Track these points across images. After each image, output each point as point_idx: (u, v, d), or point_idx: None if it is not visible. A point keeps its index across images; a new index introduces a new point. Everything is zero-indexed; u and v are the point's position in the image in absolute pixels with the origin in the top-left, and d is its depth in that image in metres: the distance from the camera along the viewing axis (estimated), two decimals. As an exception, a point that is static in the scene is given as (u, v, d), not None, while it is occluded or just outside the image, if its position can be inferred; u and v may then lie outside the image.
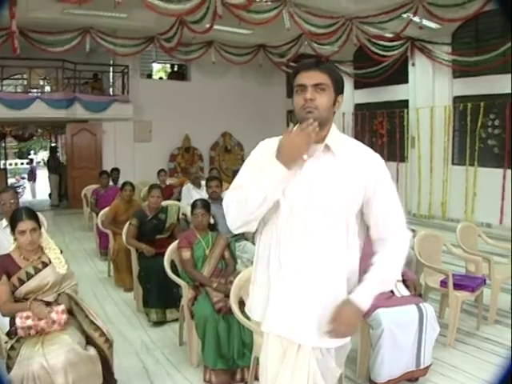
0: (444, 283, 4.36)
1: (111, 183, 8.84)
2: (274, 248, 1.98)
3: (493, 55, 9.08)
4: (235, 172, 7.53)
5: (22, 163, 30.68)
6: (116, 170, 9.40)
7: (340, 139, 2.00)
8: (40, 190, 17.98)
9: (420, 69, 10.96)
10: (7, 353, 2.82)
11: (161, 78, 15.83)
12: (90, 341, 3.01)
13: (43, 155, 31.49)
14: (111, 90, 13.18)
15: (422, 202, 10.83)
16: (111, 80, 13.25)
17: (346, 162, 1.94)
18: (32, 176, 18.95)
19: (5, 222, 4.03)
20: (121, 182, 7.42)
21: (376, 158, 2.01)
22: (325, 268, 1.95)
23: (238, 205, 1.93)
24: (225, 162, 14.59)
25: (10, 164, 28.71)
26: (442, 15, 8.63)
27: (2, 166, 16.42)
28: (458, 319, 4.24)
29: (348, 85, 12.65)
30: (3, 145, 17.66)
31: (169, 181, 9.66)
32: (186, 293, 3.92)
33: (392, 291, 3.61)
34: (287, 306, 1.97)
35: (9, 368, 2.76)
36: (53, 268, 3.12)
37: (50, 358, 2.71)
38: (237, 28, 10.80)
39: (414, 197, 11.07)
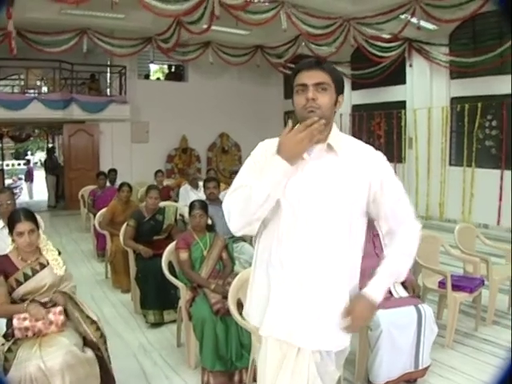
0: (442, 284, 4.35)
1: (108, 184, 8.83)
2: (275, 250, 1.96)
3: (490, 56, 9.10)
4: (232, 173, 7.56)
5: (19, 164, 30.60)
6: (113, 171, 9.39)
7: (342, 139, 1.98)
8: (37, 190, 17.94)
9: (417, 70, 10.98)
10: (4, 355, 2.79)
11: (158, 79, 15.82)
12: (87, 342, 3.00)
13: (40, 156, 31.44)
14: (108, 90, 13.16)
15: (419, 202, 10.83)
16: (108, 81, 13.22)
17: (349, 162, 1.92)
18: (29, 177, 18.90)
19: (1, 223, 4.01)
20: (118, 182, 7.42)
21: (378, 155, 2.01)
22: (327, 269, 1.93)
23: (241, 205, 1.89)
24: (222, 162, 14.59)
25: (7, 165, 28.64)
26: (439, 16, 8.64)
27: (-1, 167, 16.37)
28: (456, 320, 4.23)
29: (345, 85, 12.57)
30: (0, 145, 17.61)
31: (166, 182, 9.65)
32: (184, 294, 3.91)
33: (390, 292, 3.60)
34: (288, 309, 1.94)
35: (6, 370, 2.73)
36: (50, 269, 3.10)
37: (47, 359, 2.69)
38: (234, 29, 10.79)
39: (412, 198, 10.93)
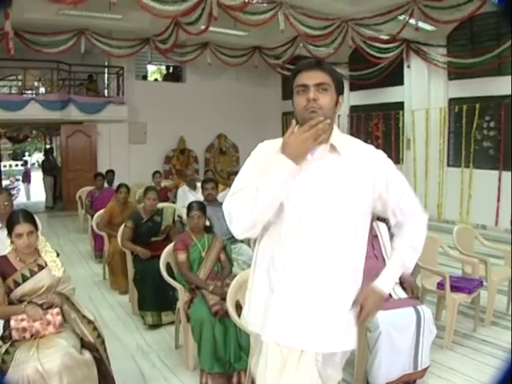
0: (441, 285, 4.35)
1: (106, 185, 8.80)
2: (277, 253, 1.94)
3: (488, 57, 9.13)
4: (230, 174, 7.53)
5: (17, 165, 30.57)
6: (111, 172, 9.36)
7: (343, 139, 1.97)
8: (34, 191, 17.90)
9: (415, 71, 10.99)
10: (1, 357, 2.77)
11: (156, 80, 15.80)
12: (84, 344, 2.98)
13: (38, 157, 31.40)
14: (106, 91, 13.14)
15: (417, 203, 10.80)
16: (106, 81, 13.20)
17: (353, 162, 1.92)
18: (26, 178, 18.88)
19: (-1, 224, 4.00)
20: (116, 184, 7.40)
21: (380, 154, 2.01)
22: (331, 271, 1.92)
23: (244, 207, 1.86)
24: (220, 163, 14.58)
25: (5, 166, 28.61)
26: (437, 17, 8.64)
27: (-4, 168, 16.33)
28: (454, 321, 4.23)
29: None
30: (-3, 146, 17.61)
31: (164, 183, 9.63)
32: (182, 296, 3.90)
33: (389, 293, 3.59)
34: (292, 313, 1.92)
35: (3, 372, 2.72)
36: (49, 271, 3.09)
37: (44, 362, 2.67)
38: (232, 29, 10.80)
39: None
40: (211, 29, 9.69)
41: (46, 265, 3.12)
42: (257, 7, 9.18)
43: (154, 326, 4.71)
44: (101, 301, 5.62)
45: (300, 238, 1.90)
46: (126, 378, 3.64)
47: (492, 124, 9.72)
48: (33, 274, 3.04)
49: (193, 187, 7.64)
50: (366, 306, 1.97)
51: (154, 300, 4.64)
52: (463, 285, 4.33)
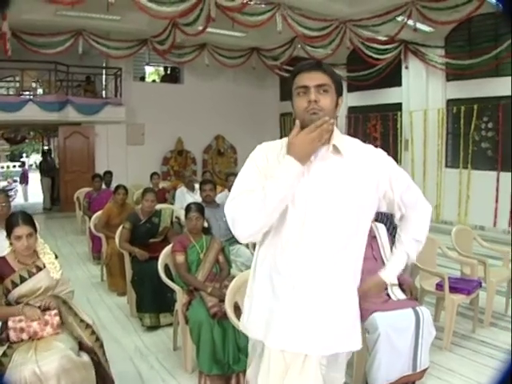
0: (440, 286, 4.34)
1: (104, 186, 8.78)
2: (280, 258, 1.91)
3: (486, 58, 9.13)
4: (229, 175, 7.45)
5: (14, 166, 30.57)
6: (109, 173, 9.34)
7: (344, 140, 1.96)
8: (32, 193, 17.87)
9: (413, 72, 10.98)
10: (-1, 359, 2.78)
11: (154, 81, 15.79)
12: (82, 347, 2.97)
13: (35, 158, 31.37)
14: (104, 92, 13.13)
15: (415, 204, 10.80)
16: (104, 83, 13.20)
17: (355, 163, 1.90)
18: (24, 179, 18.85)
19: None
20: (114, 185, 7.37)
21: (380, 152, 2.01)
22: (336, 273, 1.91)
23: (251, 210, 1.82)
24: (218, 165, 14.56)
25: (2, 167, 28.61)
26: (435, 18, 8.64)
27: (-7, 169, 16.33)
28: (453, 322, 4.23)
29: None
30: (-5, 147, 17.59)
31: (162, 184, 9.63)
32: (181, 297, 3.89)
33: (388, 295, 3.59)
34: (297, 318, 1.90)
35: (1, 375, 2.71)
36: (47, 273, 3.09)
37: (42, 364, 2.66)
38: (230, 31, 10.78)
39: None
40: (209, 30, 9.68)
41: (45, 266, 3.11)
42: (255, 8, 9.18)
43: (152, 328, 4.70)
44: (99, 302, 5.60)
45: (304, 242, 1.88)
46: (124, 380, 3.62)
47: (490, 125, 9.72)
48: (31, 275, 3.03)
49: (191, 188, 7.63)
50: (366, 285, 2.09)
51: (152, 302, 4.63)
52: (462, 286, 4.33)
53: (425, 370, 3.47)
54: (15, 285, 2.99)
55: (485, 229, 9.47)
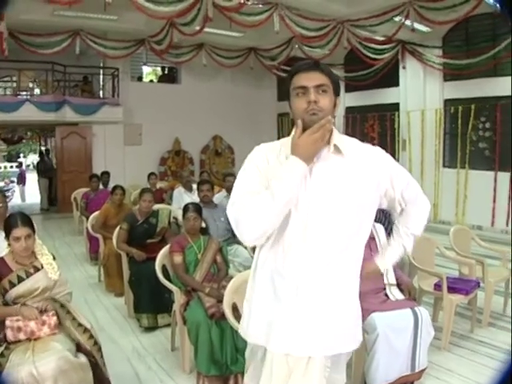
0: (438, 286, 4.34)
1: (101, 187, 8.76)
2: (282, 261, 1.89)
3: (483, 58, 9.13)
4: (226, 175, 7.43)
5: (12, 166, 30.49)
6: (106, 174, 9.33)
7: (343, 140, 1.94)
8: (29, 193, 17.83)
9: (411, 72, 10.98)
10: (-4, 360, 2.77)
11: (151, 81, 15.76)
12: (80, 347, 2.96)
13: (33, 158, 31.32)
14: (101, 92, 13.09)
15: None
16: (101, 83, 13.16)
17: (355, 162, 1.89)
18: (21, 179, 18.80)
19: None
20: (111, 185, 7.37)
21: (379, 151, 2.00)
22: (339, 274, 1.90)
23: (258, 212, 1.78)
24: (215, 165, 14.56)
25: (-1, 167, 28.53)
26: (432, 18, 8.64)
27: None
28: (452, 322, 4.23)
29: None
30: (-8, 148, 17.56)
31: (159, 184, 9.60)
32: (178, 298, 3.87)
33: (387, 295, 3.59)
34: (302, 321, 1.89)
35: (-3, 375, 2.71)
36: (45, 273, 3.09)
37: (39, 365, 2.66)
38: (228, 31, 10.76)
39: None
40: (206, 30, 9.67)
41: (42, 267, 3.11)
42: (252, 8, 9.17)
43: (150, 329, 4.68)
44: (96, 303, 5.58)
45: (307, 244, 1.86)
46: (121, 381, 3.61)
47: (487, 125, 9.73)
48: (29, 275, 3.04)
49: (189, 189, 7.62)
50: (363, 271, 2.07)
51: (150, 302, 4.61)
52: (460, 286, 4.33)
53: (423, 370, 3.47)
54: (13, 285, 2.99)
55: (482, 228, 9.48)
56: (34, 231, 3.12)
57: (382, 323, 3.23)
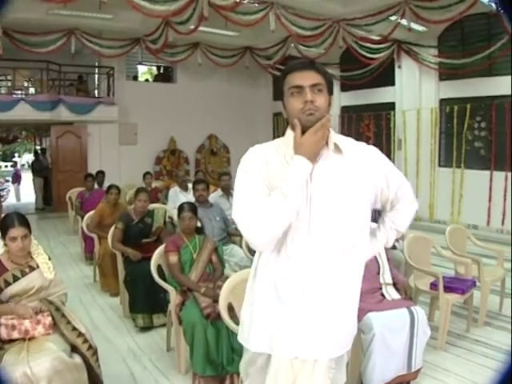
0: (434, 286, 4.34)
1: (96, 186, 8.74)
2: (286, 263, 1.86)
3: (478, 58, 9.15)
4: (221, 174, 7.40)
5: (6, 166, 30.40)
6: (101, 173, 9.29)
7: (340, 139, 1.93)
8: (24, 193, 17.76)
9: (406, 71, 11.00)
10: (-10, 360, 2.75)
11: (147, 80, 15.73)
12: (75, 348, 2.94)
13: (28, 158, 31.23)
14: (96, 92, 13.08)
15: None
16: (96, 82, 13.14)
17: (354, 161, 1.88)
18: (16, 179, 18.72)
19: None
20: (106, 185, 7.34)
21: (374, 149, 1.99)
22: (343, 275, 1.89)
23: (271, 215, 1.74)
24: (211, 164, 14.54)
25: (-6, 167, 28.42)
26: (428, 17, 8.64)
27: (-15, 169, 16.23)
28: (448, 322, 4.22)
29: (334, 87, 12.59)
30: (-13, 147, 17.49)
31: (155, 184, 9.58)
32: (174, 298, 3.85)
33: (383, 295, 3.58)
34: (308, 323, 1.87)
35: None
36: (40, 273, 3.08)
37: (33, 365, 2.64)
38: (223, 30, 10.75)
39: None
40: (202, 29, 9.65)
41: (38, 267, 3.10)
42: (248, 7, 9.15)
43: (146, 329, 4.66)
44: (91, 303, 5.56)
45: (311, 246, 1.83)
46: (117, 382, 3.60)
47: (483, 124, 9.75)
48: (24, 274, 3.03)
49: (184, 188, 7.61)
50: None
51: (145, 302, 4.59)
52: (456, 285, 4.33)
53: (419, 370, 3.47)
54: (8, 283, 2.98)
55: (478, 228, 9.49)
56: (30, 231, 3.11)
57: (379, 323, 3.22)
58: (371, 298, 3.46)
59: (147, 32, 10.92)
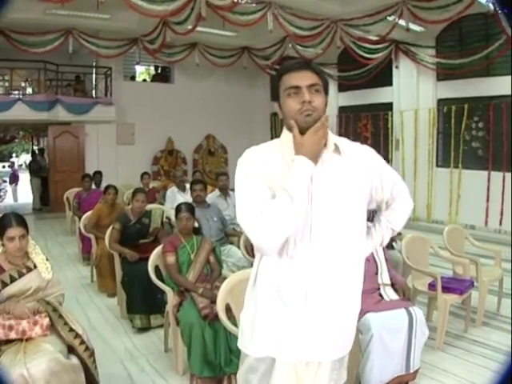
0: (432, 286, 4.34)
1: (94, 186, 8.72)
2: (288, 266, 1.84)
3: (476, 58, 9.16)
4: (219, 175, 7.38)
5: (4, 166, 30.38)
6: (99, 173, 9.27)
7: (337, 139, 1.91)
8: (22, 193, 17.74)
9: (404, 71, 11.01)
10: (-13, 362, 2.74)
11: (144, 80, 15.71)
12: (72, 349, 2.93)
13: (25, 158, 31.20)
14: (94, 92, 13.02)
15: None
16: (94, 82, 13.08)
17: (352, 161, 1.87)
18: (14, 179, 18.70)
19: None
20: (104, 185, 7.32)
21: (369, 149, 1.98)
22: (346, 275, 1.89)
23: (279, 217, 1.71)
24: (208, 164, 14.51)
25: (-9, 167, 28.36)
26: (426, 17, 8.64)
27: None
28: (446, 322, 4.22)
29: (332, 87, 12.66)
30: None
31: (152, 184, 9.56)
32: (171, 299, 3.84)
33: (381, 295, 3.57)
34: (313, 325, 1.86)
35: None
36: (37, 273, 3.07)
37: (30, 366, 2.62)
38: (221, 30, 10.74)
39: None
40: (200, 29, 9.64)
41: (35, 267, 3.09)
42: (246, 7, 9.14)
43: (143, 330, 4.65)
44: (88, 303, 5.55)
45: (313, 247, 1.82)
46: (114, 383, 3.59)
47: (480, 124, 9.75)
48: (21, 275, 3.02)
49: (182, 188, 7.59)
50: None
51: (143, 303, 4.58)
52: (454, 285, 4.33)
53: (417, 370, 3.46)
54: (5, 284, 2.97)
55: (476, 228, 9.50)
56: (27, 231, 3.10)
57: (377, 323, 3.21)
58: (369, 298, 3.45)
59: (145, 32, 10.90)
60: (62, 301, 3.22)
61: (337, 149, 1.85)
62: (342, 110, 12.95)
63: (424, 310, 4.35)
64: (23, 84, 13.42)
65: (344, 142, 1.93)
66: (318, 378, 1.90)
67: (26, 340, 2.82)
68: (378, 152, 2.01)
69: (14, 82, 12.20)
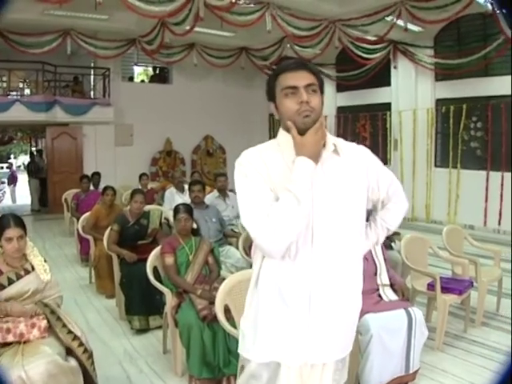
0: (431, 286, 4.33)
1: (92, 188, 8.70)
2: (291, 267, 1.81)
3: (474, 58, 9.18)
4: (217, 175, 7.37)
5: (2, 167, 30.33)
6: (97, 174, 9.25)
7: (335, 139, 1.90)
8: (20, 194, 17.71)
9: (402, 72, 11.01)
10: (-15, 364, 2.72)
11: (142, 81, 15.70)
12: (70, 351, 2.91)
13: (24, 159, 31.17)
14: (92, 93, 13.02)
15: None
16: (92, 83, 13.09)
17: (350, 161, 1.86)
18: (12, 180, 18.67)
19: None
20: (102, 186, 7.31)
21: (364, 149, 1.98)
22: (348, 275, 1.88)
23: (286, 219, 1.68)
24: (207, 165, 14.50)
25: (-11, 168, 28.33)
26: (424, 17, 8.65)
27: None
28: (445, 322, 4.21)
29: (330, 87, 12.68)
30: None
31: (151, 185, 9.55)
32: (170, 300, 3.83)
33: (380, 296, 3.56)
34: (318, 327, 1.84)
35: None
36: (35, 275, 3.06)
37: (28, 369, 2.61)
38: (219, 30, 10.73)
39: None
40: (198, 29, 9.62)
41: (33, 269, 3.08)
42: (244, 8, 9.13)
43: (142, 331, 4.63)
44: (87, 305, 5.53)
45: (315, 248, 1.80)
46: (112, 385, 3.58)
47: (479, 125, 9.77)
48: (19, 277, 3.01)
49: (180, 189, 7.58)
50: None
51: (141, 304, 4.57)
52: (454, 286, 4.32)
53: (417, 371, 3.45)
54: (3, 287, 2.95)
55: (474, 228, 9.51)
56: (25, 232, 3.09)
57: (376, 324, 3.20)
58: (368, 299, 3.44)
59: (143, 33, 10.89)
60: (61, 303, 3.21)
61: (335, 149, 1.84)
62: (341, 110, 12.95)
63: (423, 310, 4.34)
64: (21, 85, 13.43)
65: (342, 143, 1.92)
66: (324, 378, 1.90)
67: (24, 342, 2.81)
68: (377, 152, 2.01)
69: (12, 83, 12.21)
